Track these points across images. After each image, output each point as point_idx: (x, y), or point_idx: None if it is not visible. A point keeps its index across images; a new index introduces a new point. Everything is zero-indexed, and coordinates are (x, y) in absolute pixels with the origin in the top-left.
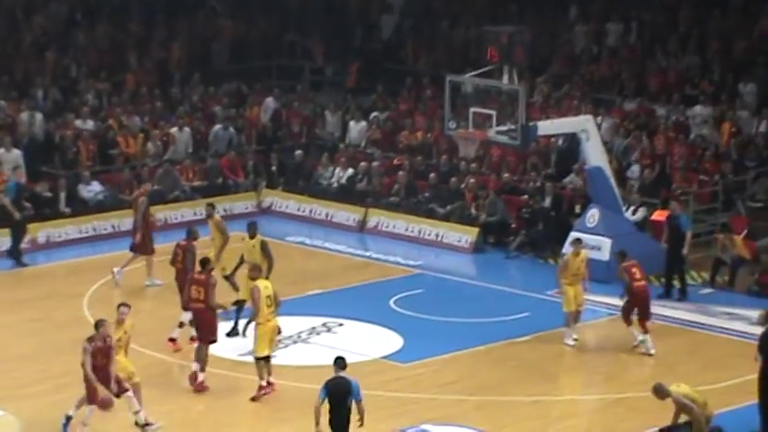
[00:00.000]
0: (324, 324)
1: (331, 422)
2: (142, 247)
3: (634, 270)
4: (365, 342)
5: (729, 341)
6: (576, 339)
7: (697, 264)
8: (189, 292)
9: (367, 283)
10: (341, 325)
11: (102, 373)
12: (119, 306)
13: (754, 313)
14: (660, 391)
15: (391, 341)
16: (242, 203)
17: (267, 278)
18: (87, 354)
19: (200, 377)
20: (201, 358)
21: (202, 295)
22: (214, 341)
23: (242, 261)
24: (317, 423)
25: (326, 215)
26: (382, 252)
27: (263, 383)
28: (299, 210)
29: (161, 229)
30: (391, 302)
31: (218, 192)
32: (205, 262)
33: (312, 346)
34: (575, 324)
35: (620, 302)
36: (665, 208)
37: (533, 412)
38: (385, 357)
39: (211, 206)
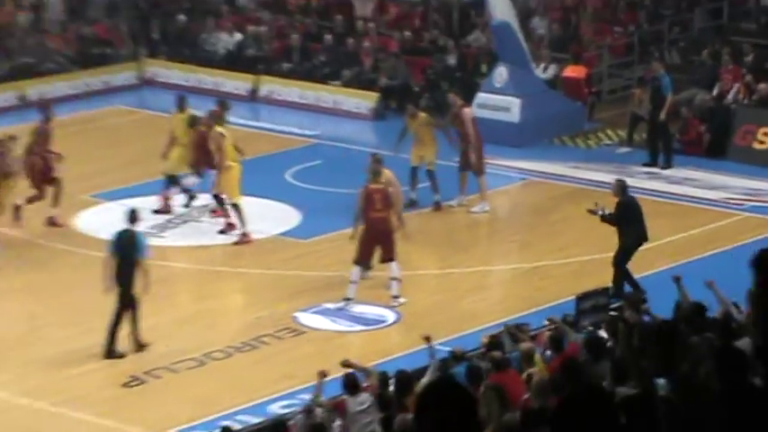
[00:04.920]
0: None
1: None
2: None
3: None
4: (261, 218)
5: (649, 202)
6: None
7: (613, 121)
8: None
9: (261, 156)
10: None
11: None
12: None
13: (675, 173)
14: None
15: (289, 216)
16: (122, 75)
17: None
18: None
19: None
20: None
21: None
22: None
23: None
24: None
25: (214, 85)
26: (276, 122)
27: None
28: (184, 80)
29: (30, 106)
30: (287, 175)
31: (96, 63)
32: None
33: (204, 224)
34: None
35: (531, 167)
36: (578, 63)
37: (444, 285)
38: (283, 234)
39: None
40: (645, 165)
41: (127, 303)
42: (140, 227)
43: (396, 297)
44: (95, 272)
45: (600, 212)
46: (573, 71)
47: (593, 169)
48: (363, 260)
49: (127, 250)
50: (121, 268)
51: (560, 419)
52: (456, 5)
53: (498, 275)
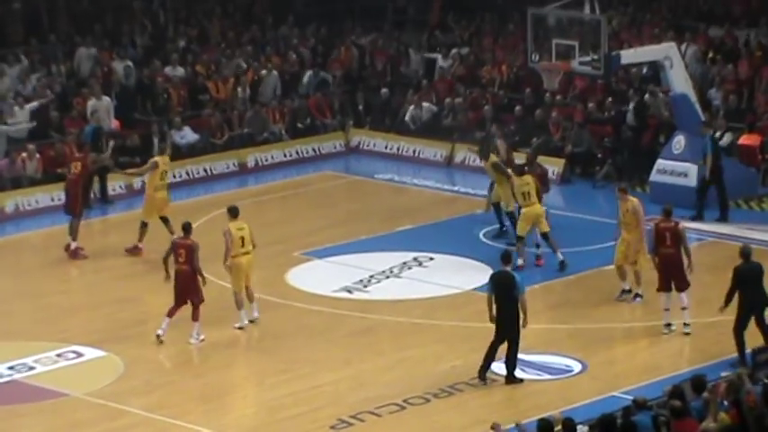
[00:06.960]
0: (415, 258)
1: (498, 314)
2: None
3: None
4: (456, 275)
5: None
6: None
7: None
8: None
9: (456, 217)
10: (431, 259)
11: None
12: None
13: None
14: None
15: (482, 273)
16: (330, 143)
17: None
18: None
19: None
20: None
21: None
22: None
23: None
24: (489, 314)
25: (414, 152)
26: (470, 186)
27: None
28: (386, 147)
29: (252, 171)
30: (480, 235)
31: (307, 132)
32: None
33: (404, 280)
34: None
35: (708, 228)
36: (752, 132)
37: (625, 338)
38: (476, 289)
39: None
40: (691, 218)
41: (506, 337)
42: (511, 267)
43: (686, 324)
44: (307, 323)
45: None
46: (748, 139)
47: (766, 231)
48: (663, 288)
49: (504, 288)
50: (501, 305)
51: None
52: (636, 78)
53: (677, 329)
